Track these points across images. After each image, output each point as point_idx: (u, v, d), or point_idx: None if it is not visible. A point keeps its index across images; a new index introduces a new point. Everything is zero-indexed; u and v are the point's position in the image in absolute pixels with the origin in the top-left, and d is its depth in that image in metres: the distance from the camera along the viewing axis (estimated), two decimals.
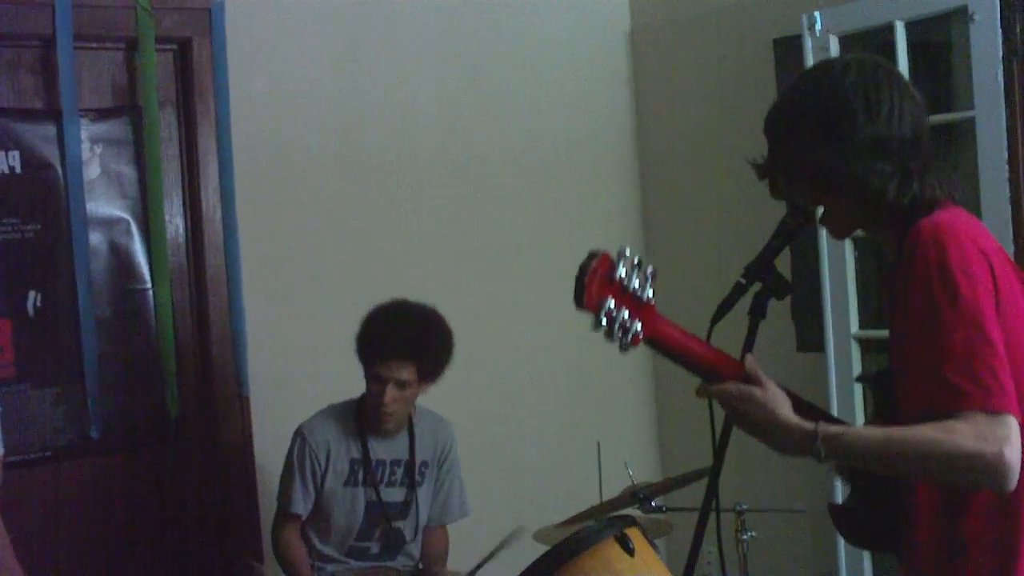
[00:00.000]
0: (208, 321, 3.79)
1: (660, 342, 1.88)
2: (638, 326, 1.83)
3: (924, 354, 1.82)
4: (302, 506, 3.40)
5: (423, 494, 3.49)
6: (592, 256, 1.81)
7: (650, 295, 1.84)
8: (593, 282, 1.79)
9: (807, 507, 3.72)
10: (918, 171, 1.93)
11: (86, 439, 3.56)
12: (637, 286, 1.83)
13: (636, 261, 1.84)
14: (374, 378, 3.33)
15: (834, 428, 1.85)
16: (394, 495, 3.45)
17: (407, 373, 3.30)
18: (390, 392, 3.30)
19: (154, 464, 3.76)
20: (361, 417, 3.44)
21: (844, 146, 1.94)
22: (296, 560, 3.41)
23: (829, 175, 1.96)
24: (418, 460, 3.48)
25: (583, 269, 1.80)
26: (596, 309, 1.79)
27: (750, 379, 1.92)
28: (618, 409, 4.65)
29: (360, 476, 3.42)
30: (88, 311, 3.53)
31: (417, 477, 3.47)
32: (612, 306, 1.80)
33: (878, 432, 1.83)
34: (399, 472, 3.46)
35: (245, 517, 3.83)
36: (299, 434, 3.44)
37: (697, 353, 1.93)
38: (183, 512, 3.81)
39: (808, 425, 1.86)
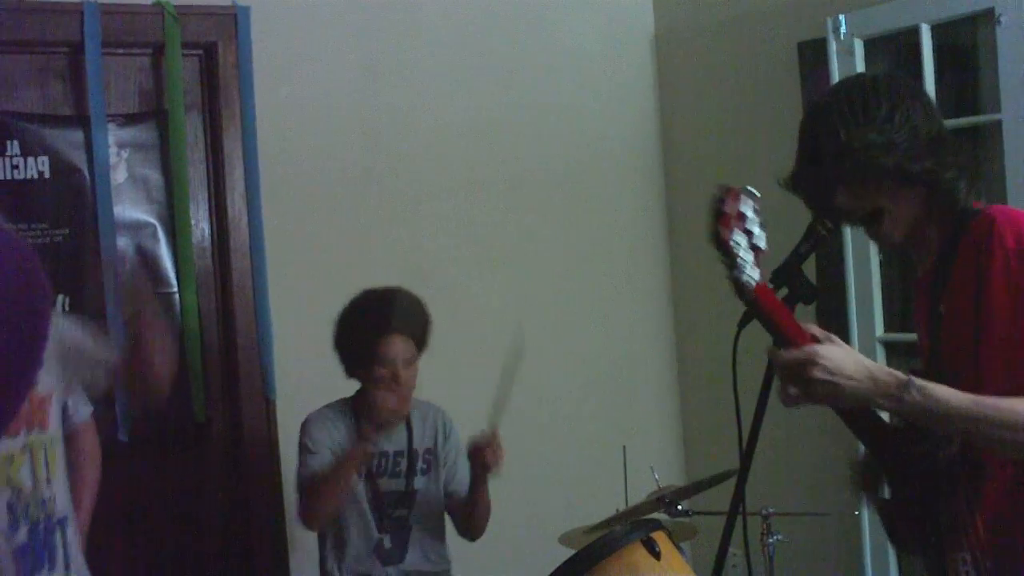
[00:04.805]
0: (234, 324, 3.81)
1: (767, 298, 1.88)
2: (757, 273, 1.84)
3: (1013, 335, 1.91)
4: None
5: (431, 481, 3.45)
6: (725, 191, 1.83)
7: (764, 244, 1.85)
8: (729, 217, 1.80)
9: (834, 510, 3.70)
10: (973, 169, 2.03)
11: (114, 442, 3.57)
12: (758, 231, 1.84)
13: (757, 205, 1.85)
14: (380, 362, 3.29)
15: (923, 380, 1.87)
16: (395, 485, 3.41)
17: (410, 347, 3.33)
18: (403, 372, 3.29)
19: (181, 467, 3.78)
20: (360, 415, 3.38)
21: (916, 143, 2.00)
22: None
23: (906, 171, 2.00)
24: (421, 449, 3.45)
25: (718, 202, 1.81)
26: (728, 246, 1.80)
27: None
28: (643, 413, 4.64)
29: (363, 470, 3.36)
30: (115, 315, 3.54)
31: (422, 465, 3.43)
32: (742, 244, 1.82)
33: (965, 395, 1.87)
34: (402, 463, 3.42)
35: (270, 519, 3.85)
36: (311, 422, 3.40)
37: (787, 322, 1.92)
38: (209, 514, 3.83)
39: (899, 373, 1.88)
